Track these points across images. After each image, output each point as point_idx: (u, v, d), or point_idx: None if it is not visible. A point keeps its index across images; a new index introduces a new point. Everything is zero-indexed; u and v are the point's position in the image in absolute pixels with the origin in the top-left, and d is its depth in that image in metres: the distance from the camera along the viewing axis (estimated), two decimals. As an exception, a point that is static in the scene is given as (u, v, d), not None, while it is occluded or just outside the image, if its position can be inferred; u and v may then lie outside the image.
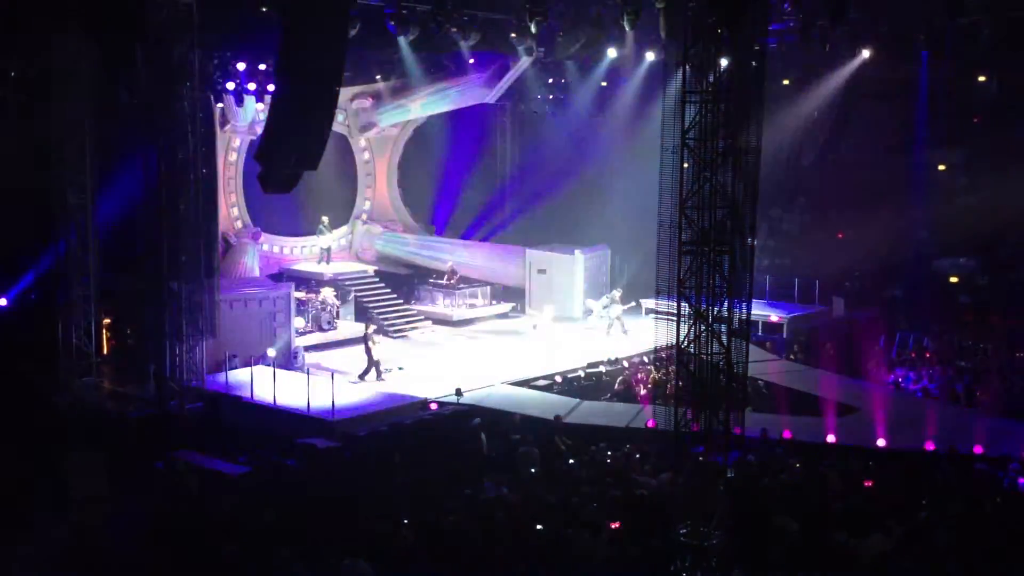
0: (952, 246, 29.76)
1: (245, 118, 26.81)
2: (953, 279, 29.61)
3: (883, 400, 20.84)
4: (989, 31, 23.48)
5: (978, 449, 17.57)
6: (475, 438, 18.67)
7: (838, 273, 29.67)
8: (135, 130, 21.58)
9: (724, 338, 12.35)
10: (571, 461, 17.59)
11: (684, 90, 12.33)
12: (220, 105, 25.81)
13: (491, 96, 29.84)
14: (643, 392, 21.63)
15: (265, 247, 28.92)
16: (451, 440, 18.83)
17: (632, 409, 20.78)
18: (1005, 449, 17.52)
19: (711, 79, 12.18)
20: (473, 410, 20.27)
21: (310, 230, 29.97)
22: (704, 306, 12.28)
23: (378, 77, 29.67)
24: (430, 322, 28.77)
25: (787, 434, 18.63)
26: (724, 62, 12.30)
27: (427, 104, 30.35)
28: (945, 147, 30.54)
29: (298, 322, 25.49)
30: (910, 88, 28.76)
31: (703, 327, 12.30)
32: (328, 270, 29.00)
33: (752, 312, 13.10)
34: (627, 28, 24.05)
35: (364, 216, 32.16)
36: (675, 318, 12.46)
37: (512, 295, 30.79)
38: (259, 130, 24.29)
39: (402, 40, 24.86)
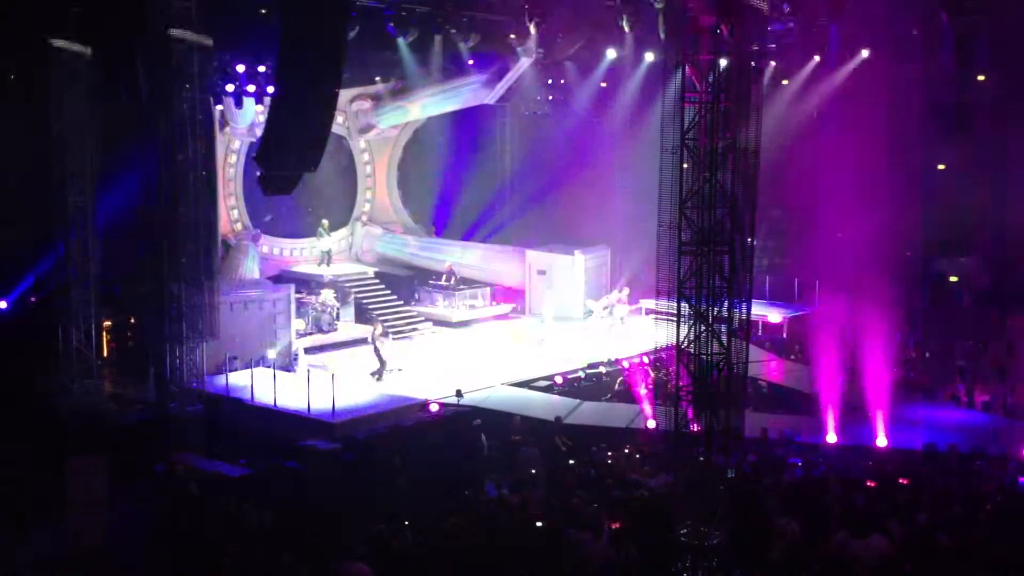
0: (952, 246, 29.73)
1: (245, 120, 26.77)
2: (953, 279, 29.59)
3: (883, 400, 20.83)
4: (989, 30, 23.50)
5: (978, 449, 17.59)
6: (475, 439, 18.69)
7: (838, 273, 29.64)
8: (135, 132, 21.60)
9: (724, 338, 12.34)
10: (571, 462, 17.60)
11: (683, 90, 12.33)
12: (220, 107, 25.80)
13: (491, 97, 29.84)
14: (643, 392, 21.64)
15: (265, 249, 28.91)
16: (451, 441, 18.84)
17: (632, 410, 20.79)
18: (1005, 449, 17.53)
19: (710, 79, 12.18)
20: (473, 411, 20.27)
21: (306, 232, 29.99)
22: (704, 306, 12.28)
23: (377, 79, 29.68)
24: (430, 323, 28.78)
25: (787, 434, 18.64)
26: (723, 62, 12.30)
27: (426, 105, 30.35)
28: (945, 147, 30.50)
29: (298, 324, 25.48)
30: (910, 88, 28.73)
31: (703, 327, 12.29)
32: (328, 272, 29.01)
33: (752, 312, 13.09)
34: (626, 29, 24.07)
35: (364, 218, 32.15)
36: (675, 318, 12.45)
37: (513, 296, 30.80)
38: (259, 132, 24.29)
39: (401, 42, 24.87)
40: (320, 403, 19.84)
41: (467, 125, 32.71)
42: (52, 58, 22.00)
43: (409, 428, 19.47)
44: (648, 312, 27.01)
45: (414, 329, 28.08)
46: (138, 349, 23.48)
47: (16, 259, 24.34)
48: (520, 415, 19.89)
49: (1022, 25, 23.45)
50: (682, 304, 12.38)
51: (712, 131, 12.18)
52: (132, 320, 24.50)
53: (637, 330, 26.34)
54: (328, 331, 26.72)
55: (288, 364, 23.92)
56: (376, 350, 23.23)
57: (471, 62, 28.26)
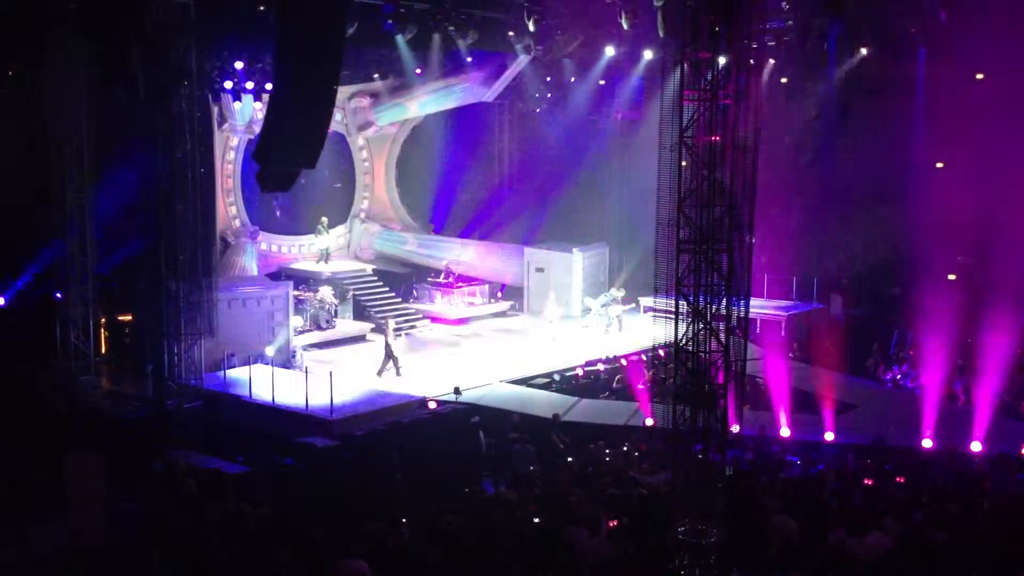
0: (950, 244, 29.69)
1: (243, 117, 26.77)
2: (951, 277, 29.57)
3: (881, 398, 20.85)
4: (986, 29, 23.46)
5: (976, 447, 17.58)
6: (474, 437, 18.68)
7: (836, 271, 29.66)
8: (133, 130, 21.57)
9: (722, 336, 12.35)
10: (569, 459, 17.60)
11: (682, 88, 12.33)
12: (218, 104, 25.78)
13: (489, 95, 29.83)
14: (641, 390, 21.63)
15: (263, 246, 28.90)
16: (450, 439, 18.83)
17: (630, 407, 20.78)
18: (1004, 448, 17.53)
19: (709, 77, 12.17)
20: (472, 409, 20.26)
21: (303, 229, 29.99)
22: (702, 304, 12.28)
23: (376, 76, 29.65)
24: (428, 320, 28.77)
25: (786, 432, 18.64)
26: (722, 60, 12.30)
27: (425, 103, 30.34)
28: (943, 145, 30.47)
29: (296, 321, 25.48)
30: (908, 86, 28.71)
31: (701, 325, 12.29)
32: (326, 269, 29.00)
33: (750, 310, 13.09)
34: (625, 26, 24.05)
35: (362, 215, 32.13)
36: (673, 316, 12.45)
37: (511, 293, 30.80)
38: (257, 129, 24.27)
39: (400, 39, 24.83)
40: (318, 400, 19.85)
41: (465, 123, 32.69)
42: (50, 56, 21.97)
43: (407, 425, 19.45)
44: (647, 310, 27.01)
45: (412, 327, 28.09)
46: (136, 346, 23.44)
47: (15, 256, 24.32)
48: (518, 412, 19.89)
49: (1022, 25, 23.41)
50: (680, 302, 12.38)
51: (710, 129, 12.18)
52: (130, 317, 24.48)
53: (635, 328, 26.37)
54: (326, 328, 26.72)
55: (287, 361, 23.91)
56: (387, 346, 23.31)
57: (470, 59, 28.24)
